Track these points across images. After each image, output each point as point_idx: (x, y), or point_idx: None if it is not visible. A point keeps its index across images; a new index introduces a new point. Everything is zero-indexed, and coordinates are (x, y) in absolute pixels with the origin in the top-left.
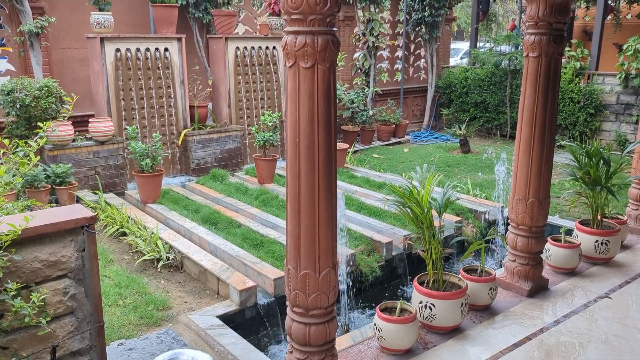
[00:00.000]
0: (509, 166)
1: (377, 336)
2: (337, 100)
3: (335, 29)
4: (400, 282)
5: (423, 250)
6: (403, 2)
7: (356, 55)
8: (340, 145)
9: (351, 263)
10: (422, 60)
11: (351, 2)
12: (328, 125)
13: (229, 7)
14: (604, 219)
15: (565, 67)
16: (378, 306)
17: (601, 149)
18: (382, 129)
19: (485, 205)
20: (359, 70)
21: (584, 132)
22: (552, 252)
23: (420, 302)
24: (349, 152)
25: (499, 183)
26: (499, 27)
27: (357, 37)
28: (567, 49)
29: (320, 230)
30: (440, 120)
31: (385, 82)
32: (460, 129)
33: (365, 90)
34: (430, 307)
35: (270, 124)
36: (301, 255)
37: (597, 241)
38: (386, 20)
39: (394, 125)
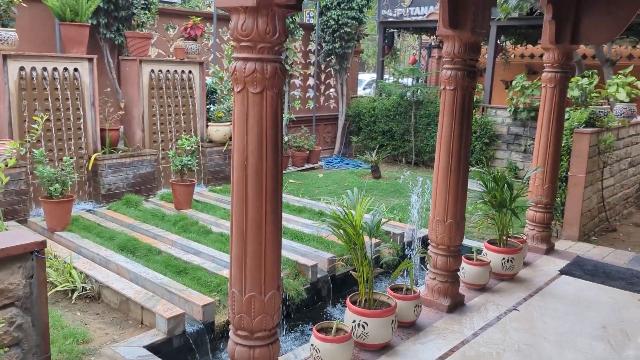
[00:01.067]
0: (420, 190)
1: (315, 356)
2: None
3: (282, 57)
4: (324, 304)
5: (355, 270)
6: (314, 33)
7: None
8: None
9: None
10: (333, 89)
11: None
12: (275, 149)
13: (143, 30)
14: (508, 239)
15: None
16: (315, 326)
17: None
18: (297, 154)
19: (400, 228)
20: None
21: (480, 160)
22: (466, 269)
23: (354, 321)
24: None
25: (413, 207)
26: (398, 61)
27: None
28: None
29: (267, 252)
30: (350, 147)
31: (298, 109)
32: (371, 155)
33: None
34: (363, 326)
35: (188, 148)
36: (247, 277)
37: (503, 259)
38: (298, 50)
39: (308, 152)
